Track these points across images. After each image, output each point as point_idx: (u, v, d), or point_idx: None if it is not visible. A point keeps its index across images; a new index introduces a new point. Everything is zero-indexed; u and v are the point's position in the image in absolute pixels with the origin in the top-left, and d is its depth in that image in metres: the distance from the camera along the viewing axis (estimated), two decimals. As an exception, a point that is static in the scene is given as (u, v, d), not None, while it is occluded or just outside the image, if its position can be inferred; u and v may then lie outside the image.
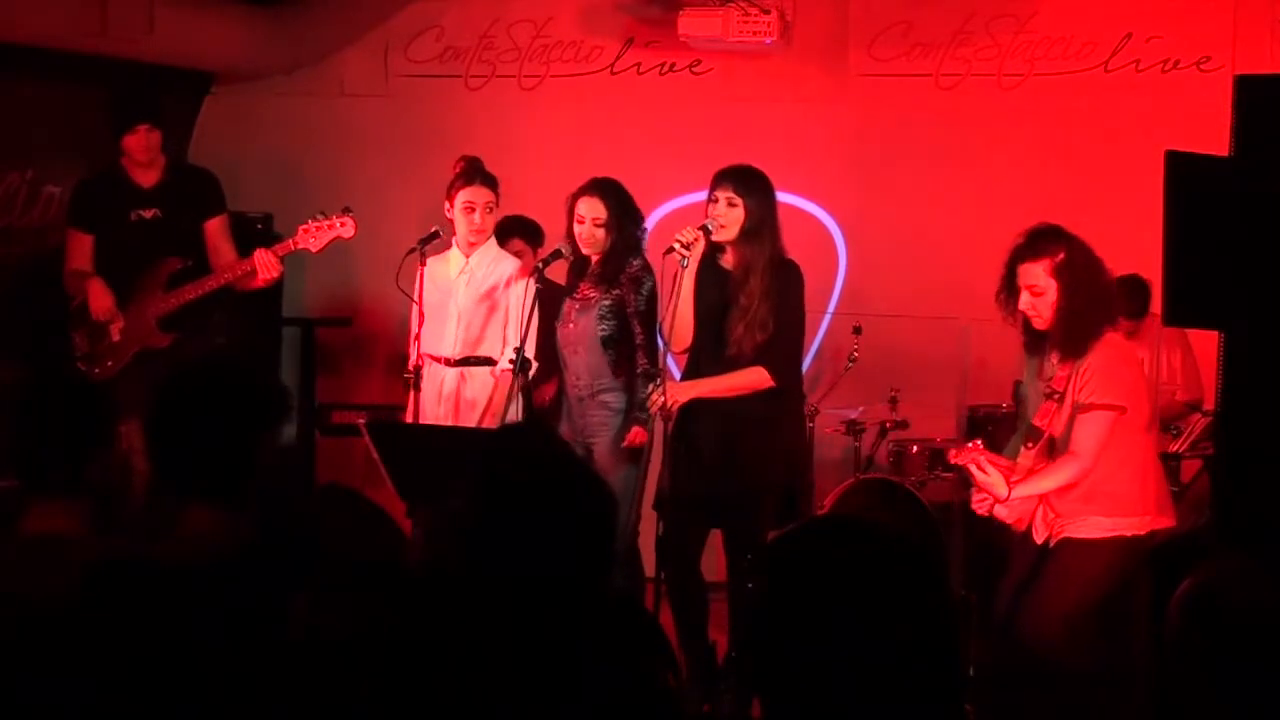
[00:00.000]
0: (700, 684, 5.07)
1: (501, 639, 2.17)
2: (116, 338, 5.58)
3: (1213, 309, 3.50)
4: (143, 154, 5.65)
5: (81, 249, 5.69)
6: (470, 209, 5.36)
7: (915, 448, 6.37)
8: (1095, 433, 4.36)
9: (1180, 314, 3.55)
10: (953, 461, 4.76)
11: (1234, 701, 2.12)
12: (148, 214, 5.67)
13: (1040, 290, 4.39)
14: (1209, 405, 5.30)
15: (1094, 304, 4.38)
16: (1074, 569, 4.41)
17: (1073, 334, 4.39)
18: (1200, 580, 2.23)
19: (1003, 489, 4.43)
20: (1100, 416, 4.34)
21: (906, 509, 6.02)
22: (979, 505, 4.55)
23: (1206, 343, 4.53)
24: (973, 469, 4.47)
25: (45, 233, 6.65)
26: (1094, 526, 4.40)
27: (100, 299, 5.56)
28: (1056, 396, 4.45)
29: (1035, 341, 4.55)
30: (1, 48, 6.14)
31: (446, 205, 5.42)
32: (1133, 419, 4.41)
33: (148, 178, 5.70)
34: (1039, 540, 4.50)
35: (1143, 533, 4.43)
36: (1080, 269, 4.37)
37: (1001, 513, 4.56)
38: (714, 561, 5.19)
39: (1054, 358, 4.49)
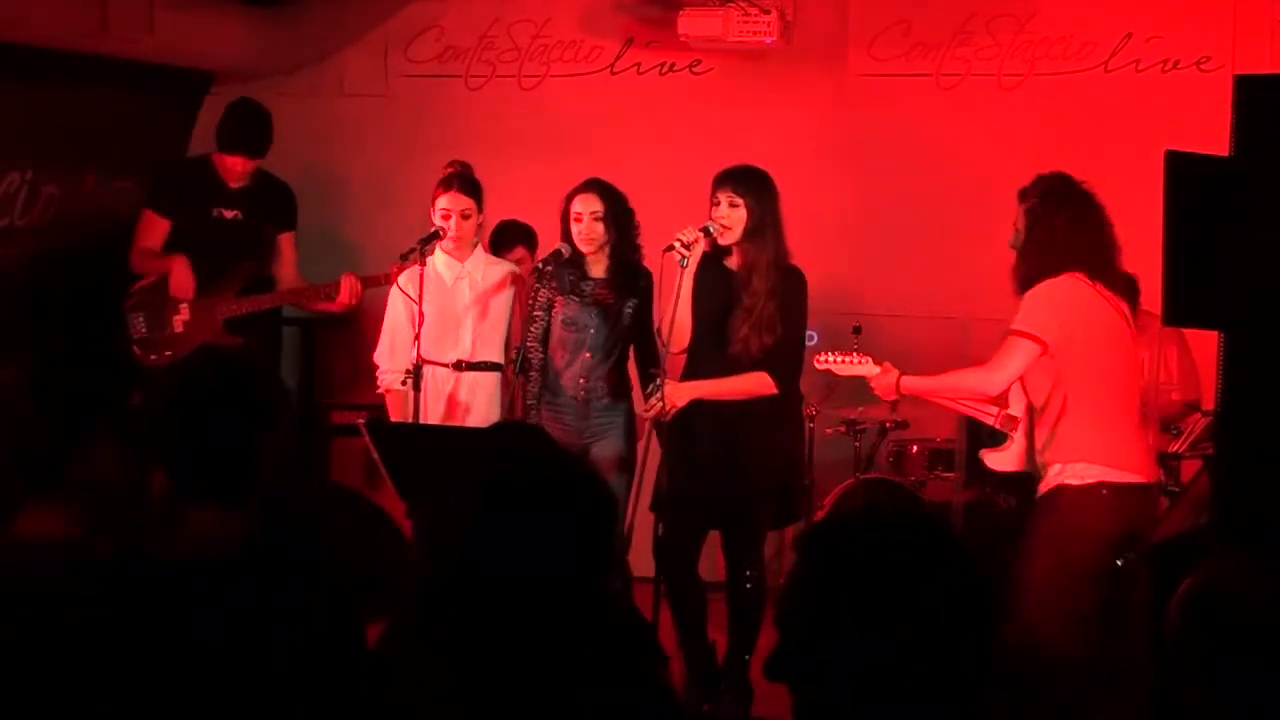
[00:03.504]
0: (700, 684, 5.07)
1: (500, 639, 2.17)
2: (179, 329, 5.66)
3: (1213, 309, 3.49)
4: (232, 173, 5.89)
5: (154, 231, 5.87)
6: (446, 215, 5.35)
7: (915, 448, 6.37)
8: (1008, 354, 4.46)
9: (1180, 314, 3.54)
10: (818, 365, 4.95)
11: (1234, 701, 2.12)
12: (229, 214, 5.82)
13: (1016, 229, 4.57)
14: (1207, 405, 5.30)
15: (1050, 250, 4.47)
16: (1035, 527, 4.51)
17: (1021, 273, 4.53)
18: (1200, 580, 2.23)
19: (871, 369, 4.72)
20: (1015, 342, 4.43)
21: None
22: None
23: (1206, 342, 4.53)
24: (835, 370, 4.82)
25: (45, 233, 6.65)
26: (1045, 480, 4.48)
27: (183, 276, 5.65)
28: None
29: None
30: (1, 48, 6.14)
31: (430, 210, 5.45)
32: (1067, 359, 4.43)
33: (238, 181, 5.91)
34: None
35: (1089, 481, 4.43)
36: (1043, 216, 4.50)
37: (873, 381, 4.78)
38: (713, 562, 5.19)
39: None
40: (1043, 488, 4.50)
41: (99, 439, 2.67)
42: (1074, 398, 4.45)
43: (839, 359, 4.83)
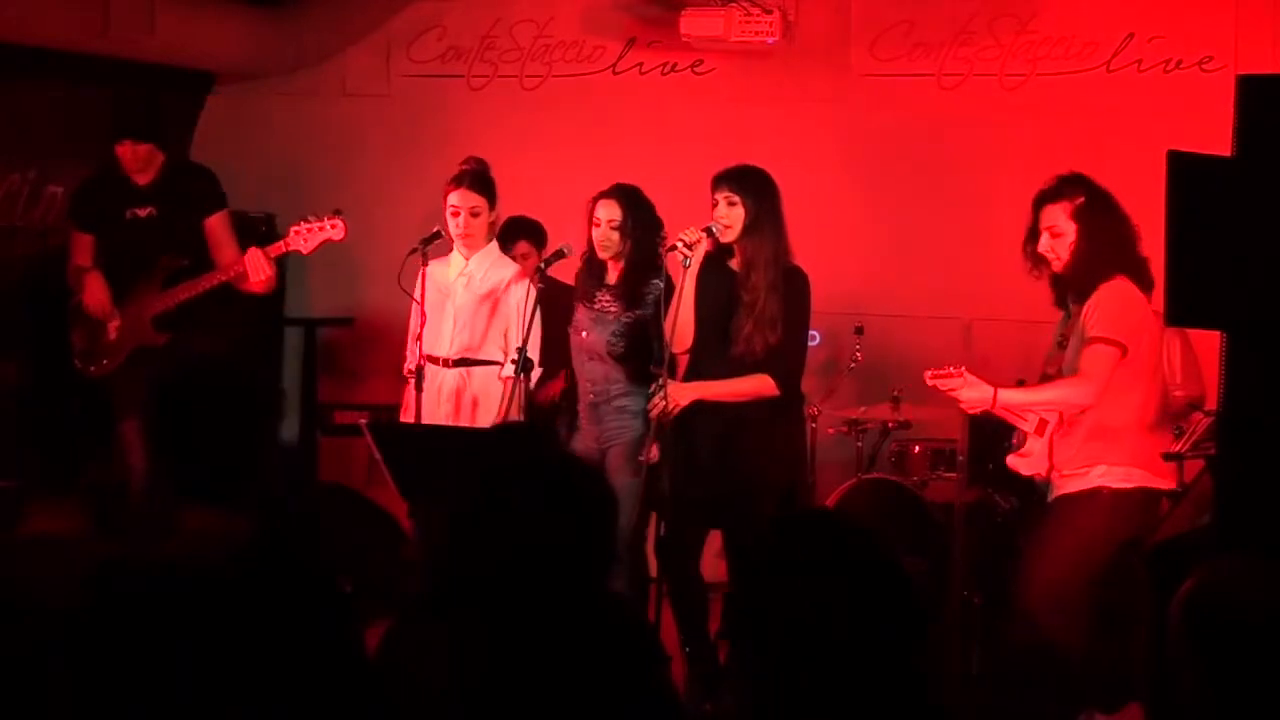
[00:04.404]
0: (701, 684, 5.07)
1: (500, 639, 2.16)
2: (113, 336, 5.63)
3: (1215, 309, 3.48)
4: (131, 164, 5.70)
5: (82, 247, 5.76)
6: (455, 213, 5.34)
7: (918, 448, 6.36)
8: (1100, 364, 4.39)
9: (1182, 314, 3.53)
10: (929, 382, 4.75)
11: (1234, 701, 2.12)
12: (142, 212, 5.72)
13: (1059, 232, 4.49)
14: (1210, 404, 5.29)
15: (1108, 248, 4.44)
16: (1061, 524, 4.47)
17: (1083, 274, 4.47)
18: (1203, 581, 2.23)
19: (956, 382, 4.52)
20: (1103, 349, 4.38)
21: (909, 509, 6.02)
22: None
23: (1208, 341, 4.53)
24: (940, 386, 4.59)
25: (48, 233, 6.66)
26: (1082, 479, 4.44)
27: (95, 294, 5.61)
28: (1064, 342, 4.50)
29: (1059, 292, 4.60)
30: (2, 48, 6.15)
31: (442, 206, 5.43)
32: (1133, 364, 4.42)
33: (144, 176, 5.73)
34: (1050, 499, 4.56)
35: (1130, 486, 4.43)
36: (1099, 213, 4.46)
37: (962, 394, 4.57)
38: (714, 562, 5.18)
39: (1073, 306, 4.54)
40: (1074, 487, 4.45)
41: (113, 440, 2.68)
42: (1127, 401, 4.43)
43: (943, 374, 4.61)
